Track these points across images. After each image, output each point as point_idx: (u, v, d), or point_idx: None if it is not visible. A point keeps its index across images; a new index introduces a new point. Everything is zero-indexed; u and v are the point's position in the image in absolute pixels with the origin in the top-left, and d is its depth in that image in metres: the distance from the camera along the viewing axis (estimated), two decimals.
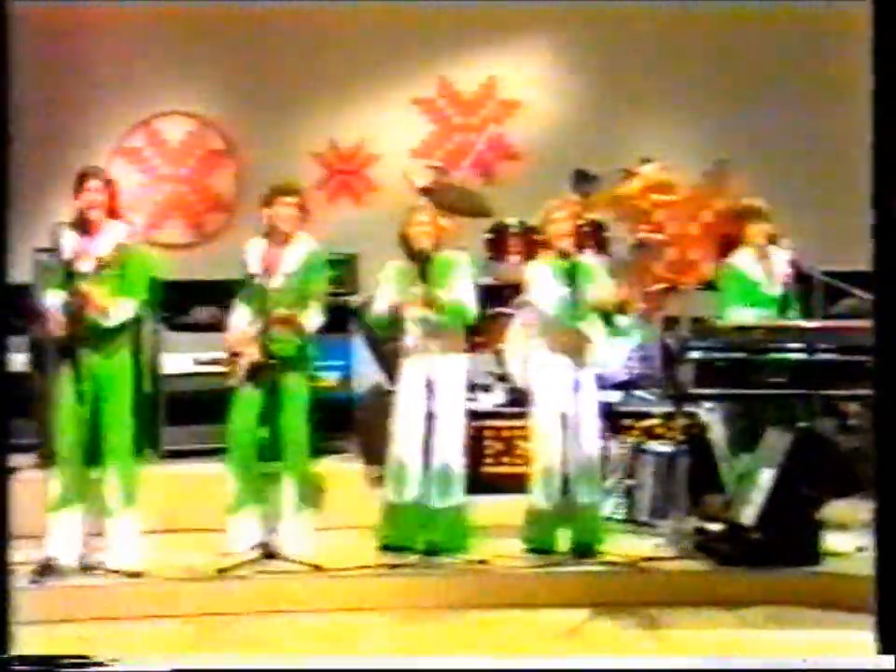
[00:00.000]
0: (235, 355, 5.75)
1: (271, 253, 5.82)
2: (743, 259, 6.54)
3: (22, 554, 5.00)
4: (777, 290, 6.46)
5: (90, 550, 5.54)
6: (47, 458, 6.47)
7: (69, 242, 5.51)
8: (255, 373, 5.71)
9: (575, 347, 5.88)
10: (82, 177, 5.56)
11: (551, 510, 5.94)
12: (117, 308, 5.50)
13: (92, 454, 5.57)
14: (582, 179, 7.92)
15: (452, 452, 5.94)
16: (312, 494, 5.94)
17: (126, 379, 5.64)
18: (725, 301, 6.53)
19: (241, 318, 5.84)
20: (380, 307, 6.05)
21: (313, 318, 5.75)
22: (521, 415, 6.60)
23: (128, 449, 5.61)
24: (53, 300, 5.46)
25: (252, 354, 5.68)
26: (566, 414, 5.89)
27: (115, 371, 5.60)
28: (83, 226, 5.55)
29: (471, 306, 6.02)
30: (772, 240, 6.55)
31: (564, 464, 5.91)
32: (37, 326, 6.40)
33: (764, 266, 6.53)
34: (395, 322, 5.98)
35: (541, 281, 6.05)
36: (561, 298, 5.94)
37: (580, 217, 6.52)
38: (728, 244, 6.79)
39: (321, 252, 5.93)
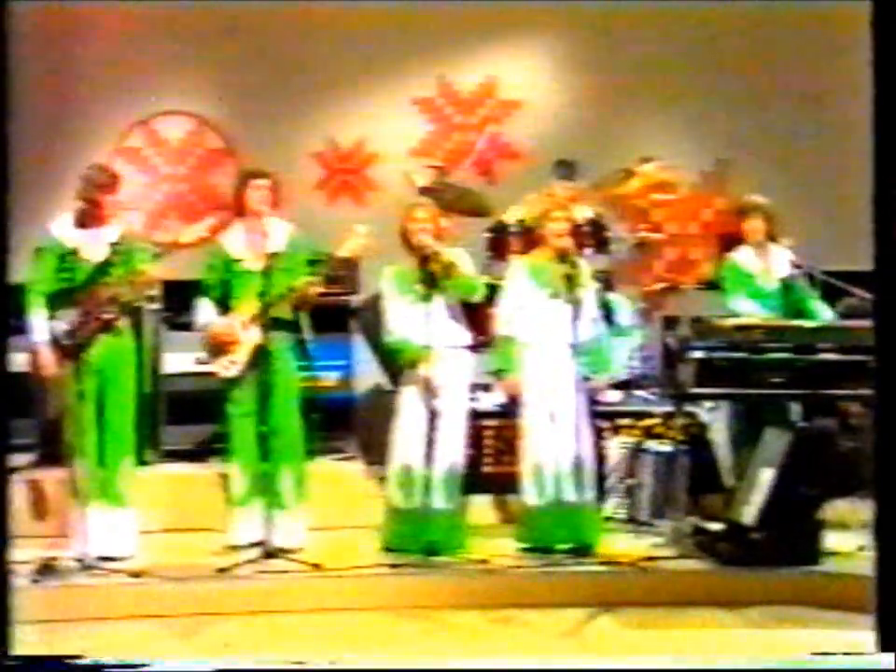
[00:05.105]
0: (225, 347, 5.74)
1: (251, 237, 5.84)
2: (743, 255, 6.59)
3: (23, 554, 5.03)
4: (774, 285, 6.50)
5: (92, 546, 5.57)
6: (46, 458, 6.50)
7: (74, 235, 5.59)
8: (255, 360, 5.71)
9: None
10: (89, 177, 5.67)
11: (542, 508, 5.94)
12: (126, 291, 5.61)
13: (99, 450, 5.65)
14: (563, 168, 7.87)
15: (455, 452, 5.94)
16: (307, 488, 5.96)
17: (129, 374, 5.73)
18: (726, 293, 6.57)
19: (209, 312, 5.87)
20: (396, 330, 5.96)
21: (314, 286, 5.80)
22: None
23: (131, 445, 5.70)
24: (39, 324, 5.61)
25: (249, 340, 5.69)
26: (555, 412, 5.91)
27: (118, 367, 5.68)
28: (88, 221, 5.63)
29: (478, 282, 6.02)
30: (772, 238, 6.57)
31: (555, 462, 5.92)
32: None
33: (763, 262, 6.56)
34: (413, 349, 5.91)
35: (516, 283, 6.06)
36: (539, 302, 5.96)
37: (568, 210, 6.49)
38: (729, 242, 6.80)
39: (300, 233, 5.99)
